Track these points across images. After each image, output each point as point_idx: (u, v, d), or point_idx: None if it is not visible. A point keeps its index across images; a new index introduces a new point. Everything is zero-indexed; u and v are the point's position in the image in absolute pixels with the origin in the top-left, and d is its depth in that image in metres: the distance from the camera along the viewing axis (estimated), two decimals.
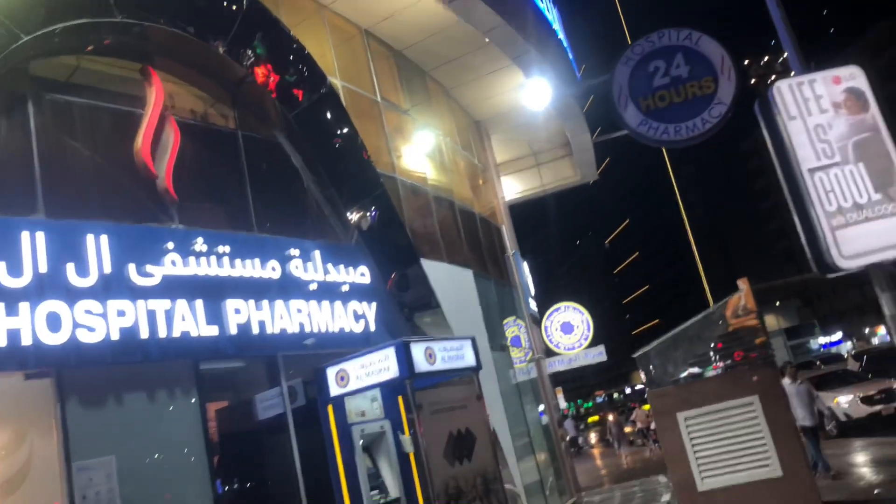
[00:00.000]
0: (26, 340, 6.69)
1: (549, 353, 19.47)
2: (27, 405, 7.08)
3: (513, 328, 16.77)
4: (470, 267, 14.99)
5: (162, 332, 7.70)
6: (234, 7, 9.89)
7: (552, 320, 20.50)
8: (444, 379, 9.33)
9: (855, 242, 6.66)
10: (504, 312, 16.71)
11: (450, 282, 13.18)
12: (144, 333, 7.57)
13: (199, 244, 8.46)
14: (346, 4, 12.64)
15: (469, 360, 9.56)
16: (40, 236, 7.14)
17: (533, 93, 14.75)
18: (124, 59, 9.04)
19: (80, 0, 8.17)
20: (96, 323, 7.24)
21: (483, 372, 9.97)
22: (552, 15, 18.29)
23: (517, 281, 17.20)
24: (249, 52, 10.01)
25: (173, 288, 8.00)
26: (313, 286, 9.72)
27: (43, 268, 7.05)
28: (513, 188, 21.27)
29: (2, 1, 7.44)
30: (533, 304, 18.74)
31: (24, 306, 6.81)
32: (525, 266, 17.97)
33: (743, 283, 13.92)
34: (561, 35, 18.94)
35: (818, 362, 30.91)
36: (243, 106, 10.36)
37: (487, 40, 14.29)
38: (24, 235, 7.08)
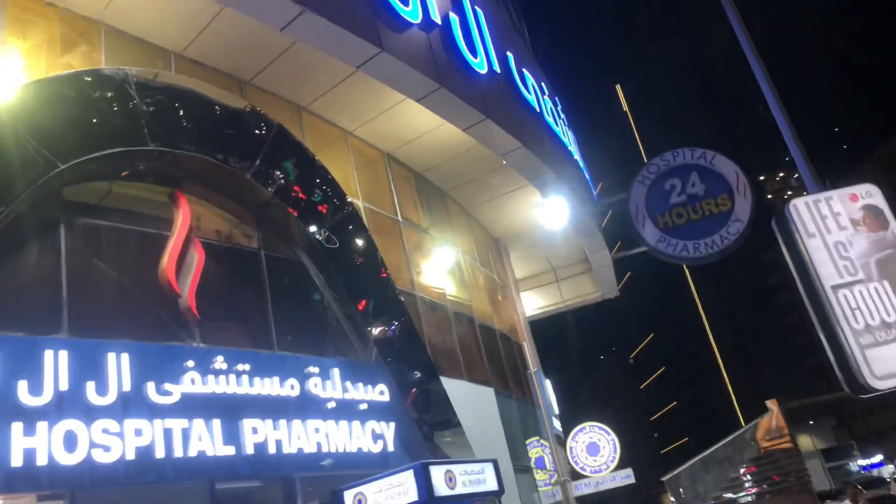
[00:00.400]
0: (42, 461, 6.62)
1: (575, 475, 18.73)
2: None
3: (536, 449, 16.25)
4: (491, 385, 14.76)
5: (178, 452, 7.58)
6: (262, 134, 10.39)
7: (577, 441, 19.87)
8: (464, 503, 8.98)
9: (888, 362, 6.47)
10: (527, 432, 16.25)
11: (470, 400, 12.94)
12: (160, 453, 7.46)
13: (219, 362, 8.46)
14: (369, 130, 13.23)
15: (491, 483, 9.23)
16: (63, 355, 7.22)
17: (550, 212, 15.09)
18: (155, 183, 9.43)
19: (115, 130, 8.63)
20: (112, 442, 7.17)
21: (506, 495, 9.59)
22: (568, 137, 18.97)
23: (540, 399, 16.82)
24: (277, 173, 10.41)
25: (191, 406, 7.95)
26: (331, 405, 9.59)
27: (63, 386, 7.08)
28: (533, 304, 21.27)
29: (40, 131, 7.86)
30: (557, 424, 18.23)
31: (41, 426, 6.79)
32: (548, 384, 17.63)
33: (772, 404, 13.44)
34: (577, 155, 19.55)
35: (860, 487, 29.31)
36: (267, 226, 10.66)
37: (505, 162, 14.77)
38: (47, 354, 7.17)
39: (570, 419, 22.02)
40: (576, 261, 20.60)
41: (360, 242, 11.61)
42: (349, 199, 11.64)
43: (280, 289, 10.35)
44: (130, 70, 8.99)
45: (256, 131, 10.29)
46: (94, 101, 8.47)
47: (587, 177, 20.23)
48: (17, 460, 6.49)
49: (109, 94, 8.61)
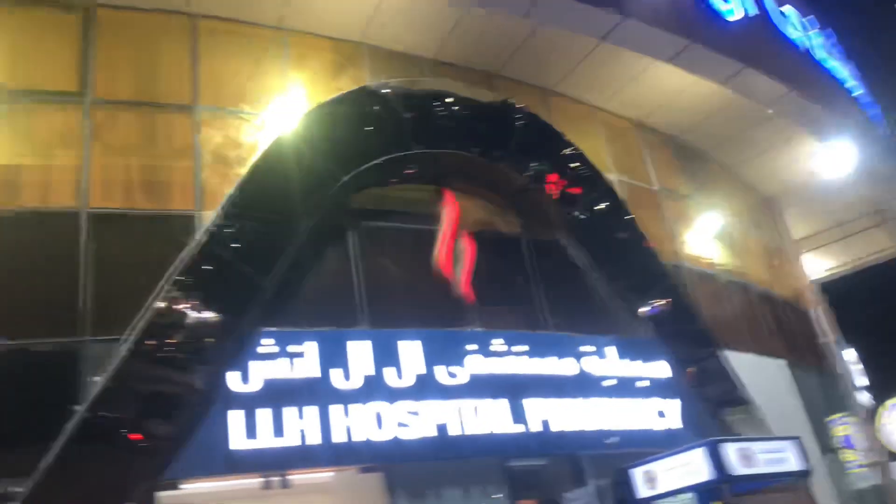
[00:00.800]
0: (359, 438, 7.50)
1: (893, 455, 16.44)
2: (362, 497, 7.82)
3: (843, 426, 14.53)
4: (780, 356, 13.53)
5: (470, 430, 8.09)
6: (513, 123, 10.62)
7: (893, 417, 17.41)
8: (766, 484, 8.36)
9: None
10: (830, 408, 14.61)
11: (758, 374, 11.97)
12: (455, 430, 8.02)
13: (498, 344, 8.87)
14: (617, 101, 12.88)
15: (794, 463, 8.48)
16: (365, 345, 8.09)
17: (830, 159, 13.46)
18: (422, 183, 10.13)
19: (385, 139, 9.44)
20: (414, 421, 7.87)
21: (813, 476, 8.75)
22: (846, 71, 16.71)
23: (841, 371, 15.07)
24: (531, 159, 10.59)
25: (477, 387, 8.43)
26: (610, 382, 9.53)
27: (368, 372, 7.93)
28: (819, 266, 19.06)
29: (324, 149, 8.87)
30: (864, 397, 16.18)
31: (354, 407, 7.68)
32: (848, 353, 15.71)
33: None
34: (859, 91, 17.14)
35: None
36: (526, 212, 10.88)
37: (771, 111, 13.44)
38: (352, 345, 8.08)
39: (880, 392, 19.38)
40: (866, 212, 18.02)
41: (618, 218, 11.36)
42: (603, 176, 11.45)
43: (546, 271, 10.52)
44: (391, 82, 9.80)
45: (508, 121, 10.55)
46: (365, 115, 9.37)
47: (874, 114, 17.64)
48: (339, 437, 7.43)
49: (376, 108, 9.45)
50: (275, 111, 9.13)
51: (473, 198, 10.54)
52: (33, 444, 6.42)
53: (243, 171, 8.48)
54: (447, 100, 10.10)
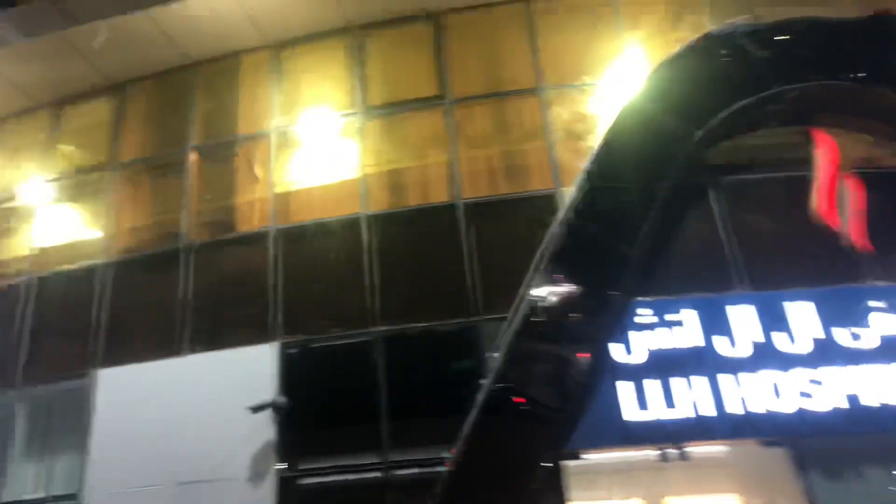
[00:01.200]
0: (756, 409, 7.00)
1: None
2: (767, 472, 7.30)
3: None
4: None
5: (890, 399, 7.04)
6: (892, 39, 8.96)
7: None
8: None
9: None
10: None
11: None
12: (869, 400, 7.06)
13: None
14: None
15: None
16: (748, 309, 7.53)
17: None
18: (783, 126, 9.07)
19: (737, 84, 8.60)
20: (815, 390, 7.11)
21: None
22: None
23: None
24: None
25: (891, 350, 7.30)
26: None
27: (756, 338, 7.38)
28: None
29: (673, 107, 8.40)
30: None
31: (745, 376, 7.19)
32: None
33: None
34: None
35: None
36: None
37: None
38: (732, 310, 7.58)
39: None
40: None
41: None
42: None
43: None
44: (735, 22, 8.92)
45: (885, 36, 8.93)
46: (712, 63, 8.69)
47: None
48: (734, 408, 7.03)
49: (724, 52, 8.69)
50: (616, 77, 8.93)
51: (849, 132, 9.15)
52: (448, 413, 7.22)
53: (592, 143, 8.43)
54: (805, 27, 8.89)
